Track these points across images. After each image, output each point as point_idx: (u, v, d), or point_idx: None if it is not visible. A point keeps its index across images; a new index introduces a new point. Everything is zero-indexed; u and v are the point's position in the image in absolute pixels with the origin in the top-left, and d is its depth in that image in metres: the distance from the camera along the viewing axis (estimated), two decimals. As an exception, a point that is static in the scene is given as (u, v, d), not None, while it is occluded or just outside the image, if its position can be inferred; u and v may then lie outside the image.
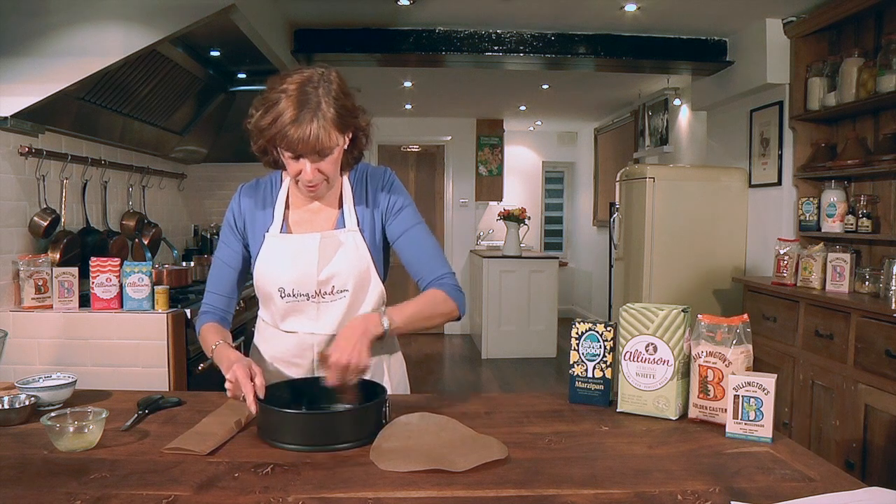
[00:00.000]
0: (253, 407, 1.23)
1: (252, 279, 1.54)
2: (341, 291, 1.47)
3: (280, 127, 1.29)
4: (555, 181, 8.75)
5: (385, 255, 1.57)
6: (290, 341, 1.52)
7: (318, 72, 1.34)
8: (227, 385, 1.29)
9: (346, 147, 1.42)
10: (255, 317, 1.66)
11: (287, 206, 1.53)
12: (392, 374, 1.60)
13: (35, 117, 2.50)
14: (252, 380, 1.25)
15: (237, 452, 1.17)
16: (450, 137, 7.56)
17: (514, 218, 6.26)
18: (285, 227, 1.51)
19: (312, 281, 1.46)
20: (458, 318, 1.50)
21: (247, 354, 1.48)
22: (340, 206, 1.52)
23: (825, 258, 3.04)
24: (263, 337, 1.59)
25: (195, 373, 2.56)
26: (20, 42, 2.33)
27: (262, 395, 1.25)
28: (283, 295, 1.48)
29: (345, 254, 1.47)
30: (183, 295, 2.83)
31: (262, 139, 1.36)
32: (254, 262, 1.52)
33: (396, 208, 1.51)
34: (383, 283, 1.55)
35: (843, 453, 2.69)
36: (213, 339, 1.44)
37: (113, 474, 1.07)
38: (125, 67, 2.69)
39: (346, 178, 1.53)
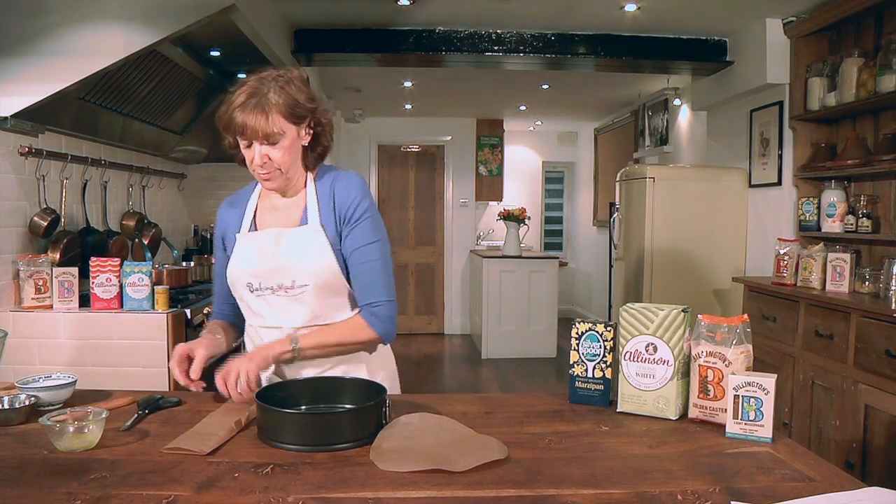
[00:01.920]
0: (187, 383, 1.43)
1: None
2: (302, 286, 1.48)
3: (230, 112, 1.40)
4: (555, 181, 8.75)
5: None
6: (266, 336, 1.54)
7: (280, 70, 1.45)
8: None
9: (306, 144, 1.49)
10: None
11: (257, 208, 1.59)
12: (374, 376, 1.56)
13: (35, 117, 2.49)
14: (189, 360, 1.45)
15: (237, 452, 1.17)
16: (450, 137, 7.56)
17: (514, 218, 6.26)
18: (254, 227, 1.57)
19: (273, 275, 1.49)
20: (386, 343, 1.58)
21: None
22: (306, 204, 1.54)
23: (825, 258, 3.04)
24: (248, 336, 1.63)
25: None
26: (20, 42, 2.33)
27: (196, 376, 1.42)
28: (251, 289, 1.52)
29: (305, 249, 1.48)
30: (183, 295, 2.82)
31: (221, 129, 1.45)
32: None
33: (354, 218, 1.50)
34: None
35: (843, 453, 2.69)
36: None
37: (113, 474, 1.07)
38: (125, 67, 2.69)
39: (312, 177, 1.56)
